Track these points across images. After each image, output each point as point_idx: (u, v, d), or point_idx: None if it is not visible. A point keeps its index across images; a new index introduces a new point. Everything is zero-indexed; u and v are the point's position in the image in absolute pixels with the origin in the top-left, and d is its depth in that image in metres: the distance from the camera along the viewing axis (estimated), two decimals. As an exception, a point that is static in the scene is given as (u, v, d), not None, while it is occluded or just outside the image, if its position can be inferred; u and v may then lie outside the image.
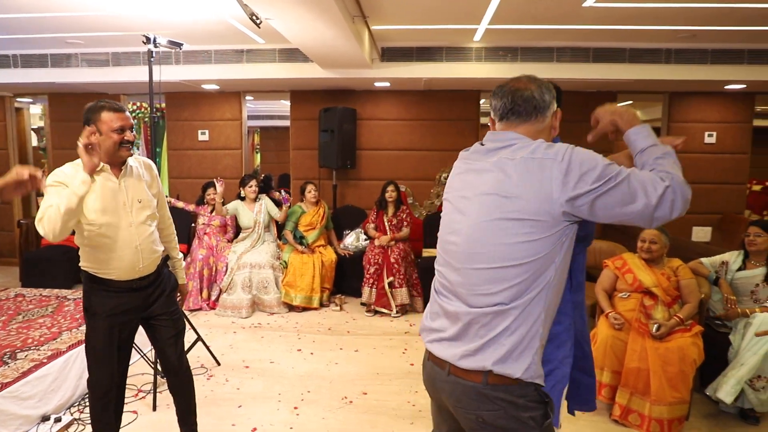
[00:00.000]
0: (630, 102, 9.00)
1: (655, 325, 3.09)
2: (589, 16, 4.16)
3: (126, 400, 3.25)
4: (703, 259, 3.58)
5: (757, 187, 9.15)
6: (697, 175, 6.36)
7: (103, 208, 2.24)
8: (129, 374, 3.60)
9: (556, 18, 4.25)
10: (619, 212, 1.36)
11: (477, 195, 1.47)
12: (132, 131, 2.30)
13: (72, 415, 3.06)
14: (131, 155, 2.34)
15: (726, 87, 5.87)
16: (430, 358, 1.59)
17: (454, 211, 1.55)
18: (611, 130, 1.59)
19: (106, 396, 2.37)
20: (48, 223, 2.02)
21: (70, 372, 3.19)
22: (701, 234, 6.42)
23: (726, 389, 3.05)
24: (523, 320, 1.41)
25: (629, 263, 3.39)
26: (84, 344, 2.40)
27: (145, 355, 3.53)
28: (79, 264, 2.34)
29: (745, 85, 5.71)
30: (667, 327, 3.09)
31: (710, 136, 6.29)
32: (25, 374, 2.91)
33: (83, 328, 3.54)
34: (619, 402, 3.08)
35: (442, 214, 1.65)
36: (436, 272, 1.63)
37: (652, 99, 7.59)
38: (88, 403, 2.47)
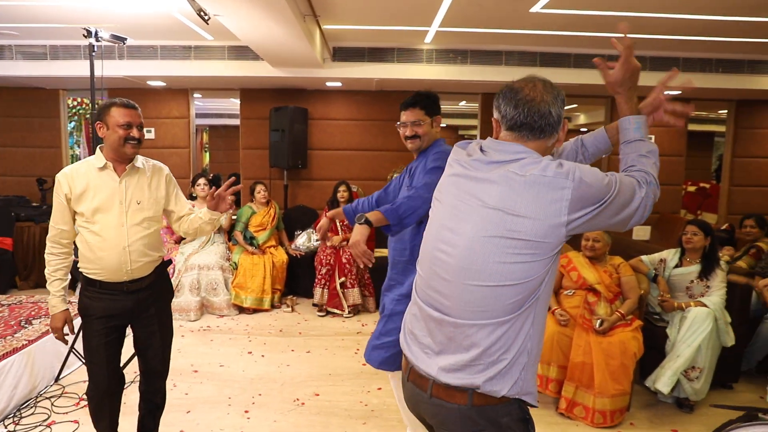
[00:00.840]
0: (575, 105, 9.33)
1: (598, 321, 3.21)
2: (536, 22, 4.28)
3: (67, 409, 3.15)
4: (643, 257, 3.74)
5: (691, 188, 9.66)
6: (636, 177, 6.64)
7: (98, 205, 2.25)
8: (70, 381, 3.49)
9: (504, 22, 4.36)
10: (603, 225, 1.38)
11: (478, 207, 1.38)
12: (141, 129, 2.30)
13: (6, 427, 2.90)
14: (136, 152, 2.33)
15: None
16: (410, 379, 1.53)
17: (448, 218, 1.45)
18: (620, 78, 1.59)
19: (104, 397, 2.35)
20: (46, 263, 2.35)
21: (5, 382, 3.03)
22: (641, 233, 6.71)
23: (663, 380, 3.20)
24: (513, 336, 1.37)
25: (574, 261, 3.51)
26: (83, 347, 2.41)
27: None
28: (77, 265, 2.36)
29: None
30: (610, 322, 3.21)
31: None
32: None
33: (19, 335, 3.37)
34: (565, 396, 3.18)
35: (430, 213, 1.58)
36: (417, 276, 1.57)
37: (596, 103, 7.89)
38: (87, 405, 2.44)
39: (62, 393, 3.35)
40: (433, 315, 1.46)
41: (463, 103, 9.50)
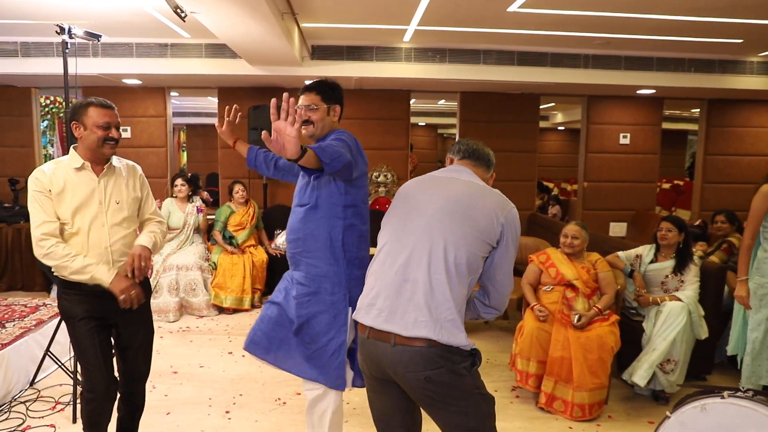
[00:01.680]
0: (552, 104, 9.44)
1: (576, 316, 3.26)
2: (514, 21, 4.32)
3: (42, 413, 3.09)
4: (620, 253, 3.81)
5: (666, 185, 9.85)
6: (613, 174, 6.76)
7: (79, 206, 2.22)
8: (45, 385, 3.42)
9: (482, 21, 4.39)
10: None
11: (463, 197, 1.87)
12: (119, 130, 2.26)
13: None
14: (114, 153, 2.31)
15: (638, 92, 6.27)
16: (371, 335, 1.79)
17: (420, 193, 1.92)
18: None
19: (104, 401, 2.29)
20: (51, 258, 2.16)
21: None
22: (617, 229, 6.84)
23: (640, 373, 3.26)
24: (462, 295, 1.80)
25: (552, 258, 3.56)
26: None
27: (63, 364, 3.33)
28: (51, 269, 2.24)
29: (654, 90, 6.13)
30: (587, 317, 3.27)
31: (625, 137, 6.70)
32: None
33: (-8, 338, 3.30)
34: (544, 390, 3.22)
35: (393, 206, 1.96)
36: (383, 251, 1.88)
37: (573, 101, 8.01)
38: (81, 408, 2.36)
39: (38, 397, 3.28)
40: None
41: (442, 101, 9.55)
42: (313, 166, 1.89)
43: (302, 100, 2.36)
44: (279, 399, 3.36)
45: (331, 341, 2.25)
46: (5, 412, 3.07)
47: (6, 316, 3.77)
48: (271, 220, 5.95)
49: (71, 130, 2.26)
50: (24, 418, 3.02)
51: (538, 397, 3.28)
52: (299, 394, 3.42)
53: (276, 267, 5.49)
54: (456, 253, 1.77)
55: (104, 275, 2.20)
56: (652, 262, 3.64)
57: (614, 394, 3.42)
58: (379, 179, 6.44)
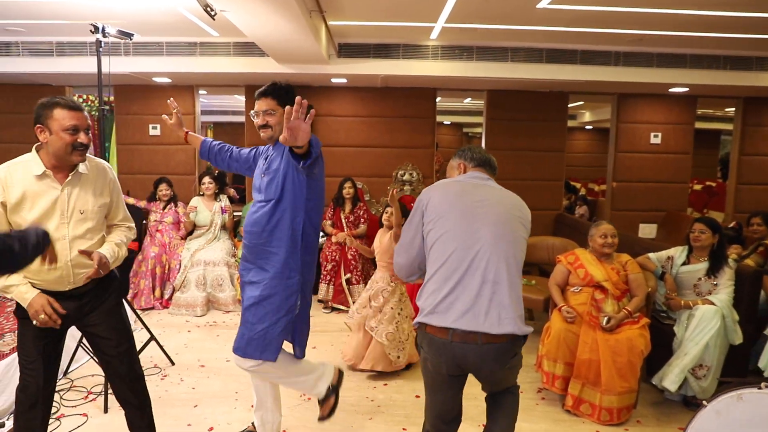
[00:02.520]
0: (581, 103, 9.29)
1: (606, 318, 3.21)
2: (543, 18, 4.26)
3: (75, 403, 3.17)
4: (651, 254, 3.73)
5: (698, 187, 9.61)
6: (643, 174, 6.62)
7: (39, 218, 2.03)
8: (78, 375, 3.50)
9: (510, 18, 4.34)
10: None
11: (495, 200, 2.13)
12: (87, 133, 2.07)
13: (15, 420, 2.91)
14: (83, 160, 2.11)
15: (670, 90, 6.13)
16: (456, 339, 1.94)
17: (471, 203, 2.10)
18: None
19: (33, 405, 2.15)
20: None
21: (14, 376, 3.03)
22: (647, 230, 6.70)
23: (671, 378, 3.19)
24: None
25: (581, 258, 3.50)
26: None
27: (94, 356, 3.40)
28: None
29: (687, 89, 5.98)
30: (617, 319, 3.20)
31: (656, 136, 6.56)
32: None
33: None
34: (571, 393, 3.18)
35: (444, 217, 2.08)
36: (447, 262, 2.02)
37: (602, 100, 7.87)
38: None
39: (71, 386, 3.38)
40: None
41: (468, 100, 9.48)
42: (303, 153, 2.18)
43: (258, 105, 2.49)
44: (304, 394, 3.38)
45: (279, 320, 2.42)
46: (39, 402, 3.15)
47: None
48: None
49: (36, 135, 2.06)
50: (58, 406, 3.10)
51: (564, 400, 3.24)
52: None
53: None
54: (516, 254, 2.04)
55: (23, 297, 2.04)
56: (684, 264, 3.55)
57: (643, 399, 3.35)
58: (404, 177, 6.43)
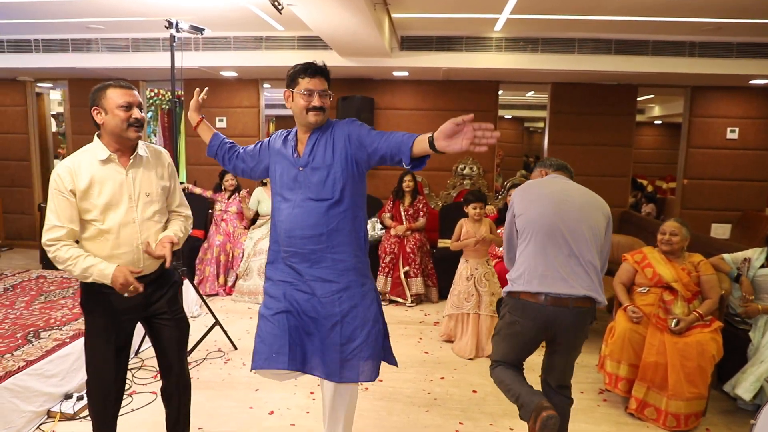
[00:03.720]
0: (651, 96, 8.90)
1: (674, 320, 3.07)
2: (612, 7, 4.10)
3: (146, 381, 3.33)
4: (725, 255, 3.54)
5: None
6: (717, 171, 6.28)
7: (108, 202, 2.07)
8: (149, 355, 3.68)
9: (578, 8, 4.20)
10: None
11: (575, 189, 2.51)
12: (141, 110, 2.11)
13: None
14: (140, 136, 2.14)
15: (750, 82, 5.77)
16: (550, 302, 2.28)
17: (559, 192, 2.47)
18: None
19: (106, 398, 2.21)
20: (57, 263, 2.03)
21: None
22: (720, 231, 6.35)
23: (745, 386, 3.02)
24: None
25: (649, 257, 3.36)
26: (84, 341, 2.25)
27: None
28: None
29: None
30: (686, 322, 3.06)
31: (732, 131, 6.20)
32: (48, 353, 2.97)
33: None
34: (635, 395, 3.06)
35: (529, 206, 2.47)
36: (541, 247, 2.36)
37: (674, 93, 7.50)
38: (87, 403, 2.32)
39: (141, 366, 3.57)
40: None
41: (530, 93, 9.26)
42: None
43: (314, 83, 2.10)
44: (361, 384, 3.42)
45: (371, 330, 2.20)
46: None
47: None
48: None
49: (93, 117, 2.11)
50: (130, 383, 3.28)
51: (627, 402, 3.13)
52: (381, 381, 3.47)
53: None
54: (596, 234, 2.39)
55: (104, 274, 2.02)
56: (762, 266, 3.35)
57: (714, 407, 3.19)
58: (464, 171, 6.37)
